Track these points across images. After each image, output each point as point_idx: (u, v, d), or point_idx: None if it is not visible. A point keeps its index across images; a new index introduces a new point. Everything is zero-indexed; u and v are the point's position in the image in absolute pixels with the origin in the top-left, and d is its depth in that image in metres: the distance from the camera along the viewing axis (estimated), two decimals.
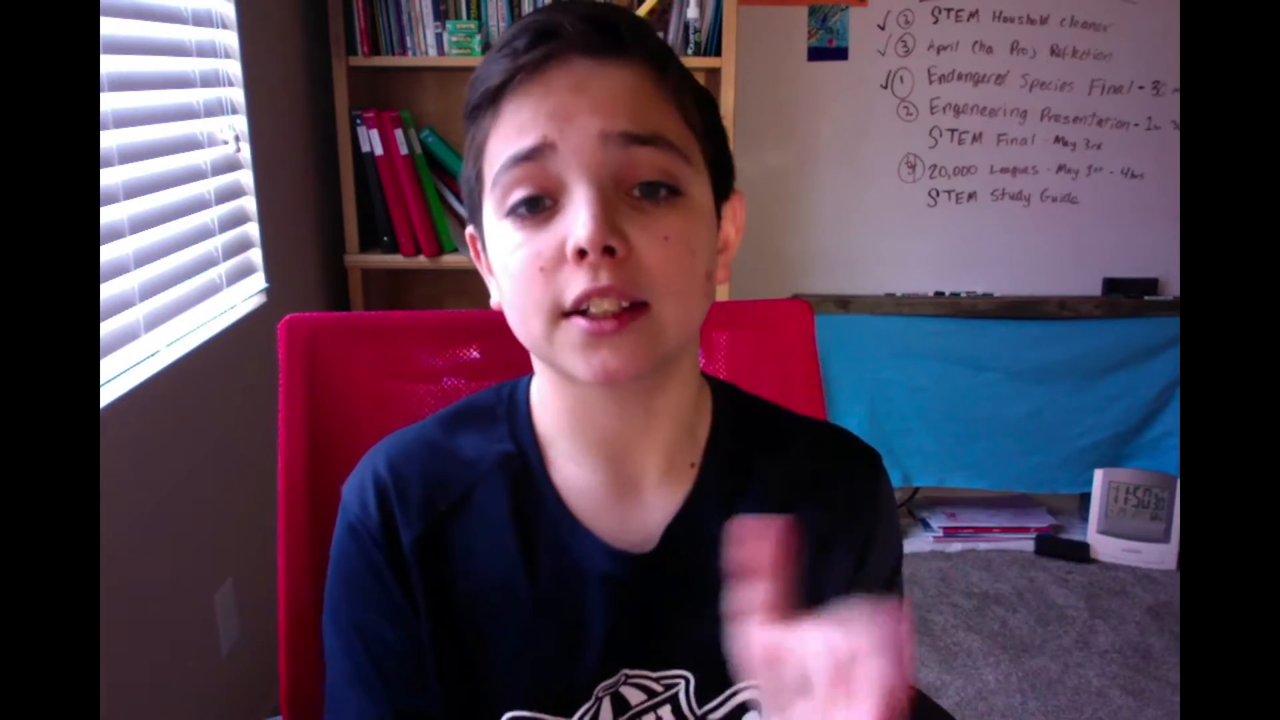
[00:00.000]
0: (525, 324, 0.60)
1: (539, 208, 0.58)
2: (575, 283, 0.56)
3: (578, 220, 0.55)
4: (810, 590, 0.68)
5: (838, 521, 0.70)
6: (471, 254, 0.69)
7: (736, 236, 0.67)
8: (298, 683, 0.85)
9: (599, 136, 0.57)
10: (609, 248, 0.55)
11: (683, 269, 0.59)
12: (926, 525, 2.66)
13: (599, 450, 0.66)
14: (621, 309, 0.57)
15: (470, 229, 0.67)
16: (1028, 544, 2.59)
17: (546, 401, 0.67)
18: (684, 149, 0.60)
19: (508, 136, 0.59)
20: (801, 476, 0.70)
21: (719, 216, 0.65)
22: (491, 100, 0.60)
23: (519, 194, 0.58)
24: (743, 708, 0.67)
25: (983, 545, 2.60)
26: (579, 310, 0.57)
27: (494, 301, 0.66)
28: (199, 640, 1.57)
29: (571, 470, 0.67)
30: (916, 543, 2.61)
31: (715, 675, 0.66)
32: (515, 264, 0.59)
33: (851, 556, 0.71)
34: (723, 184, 0.65)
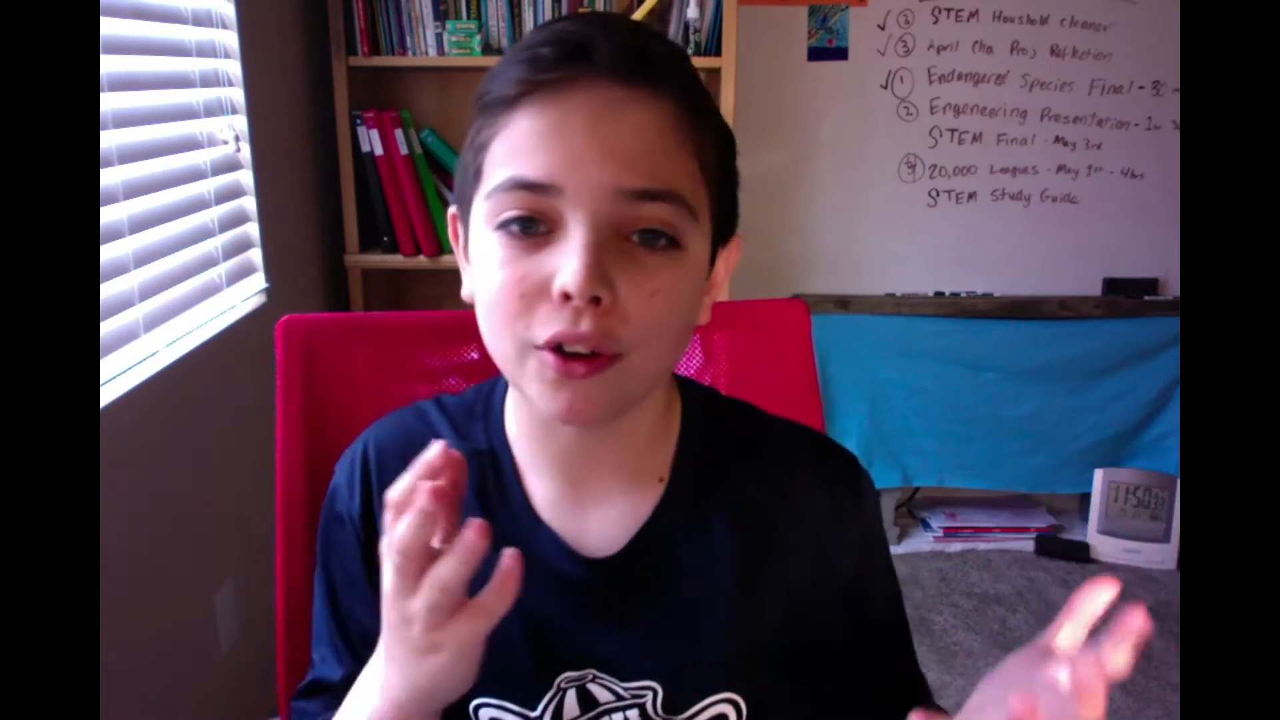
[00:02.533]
0: (494, 342, 0.59)
1: (532, 230, 0.56)
2: (553, 322, 0.55)
3: (569, 265, 0.54)
4: (797, 605, 0.68)
5: (822, 533, 0.69)
6: (450, 233, 0.67)
7: (725, 278, 0.66)
8: (297, 683, 0.85)
9: (609, 189, 0.54)
10: (595, 298, 0.54)
11: (664, 323, 0.57)
12: (926, 525, 2.66)
13: (556, 465, 0.66)
14: (594, 354, 0.56)
15: (453, 208, 0.66)
16: (1028, 544, 2.59)
17: (513, 411, 0.68)
18: (693, 203, 0.57)
19: (515, 150, 0.56)
20: (777, 483, 0.69)
21: (713, 262, 0.63)
22: (505, 104, 0.57)
23: (514, 213, 0.56)
24: None
25: (983, 545, 2.60)
26: (546, 346, 0.56)
27: (465, 293, 0.64)
28: (199, 640, 1.57)
29: (533, 478, 0.67)
30: (916, 543, 2.61)
31: (685, 689, 0.66)
32: (495, 282, 0.57)
33: (840, 569, 0.70)
34: (724, 231, 0.63)
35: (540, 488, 0.67)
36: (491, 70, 0.60)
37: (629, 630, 0.65)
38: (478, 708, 0.66)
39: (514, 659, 0.65)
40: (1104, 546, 2.56)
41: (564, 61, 0.55)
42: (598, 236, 0.54)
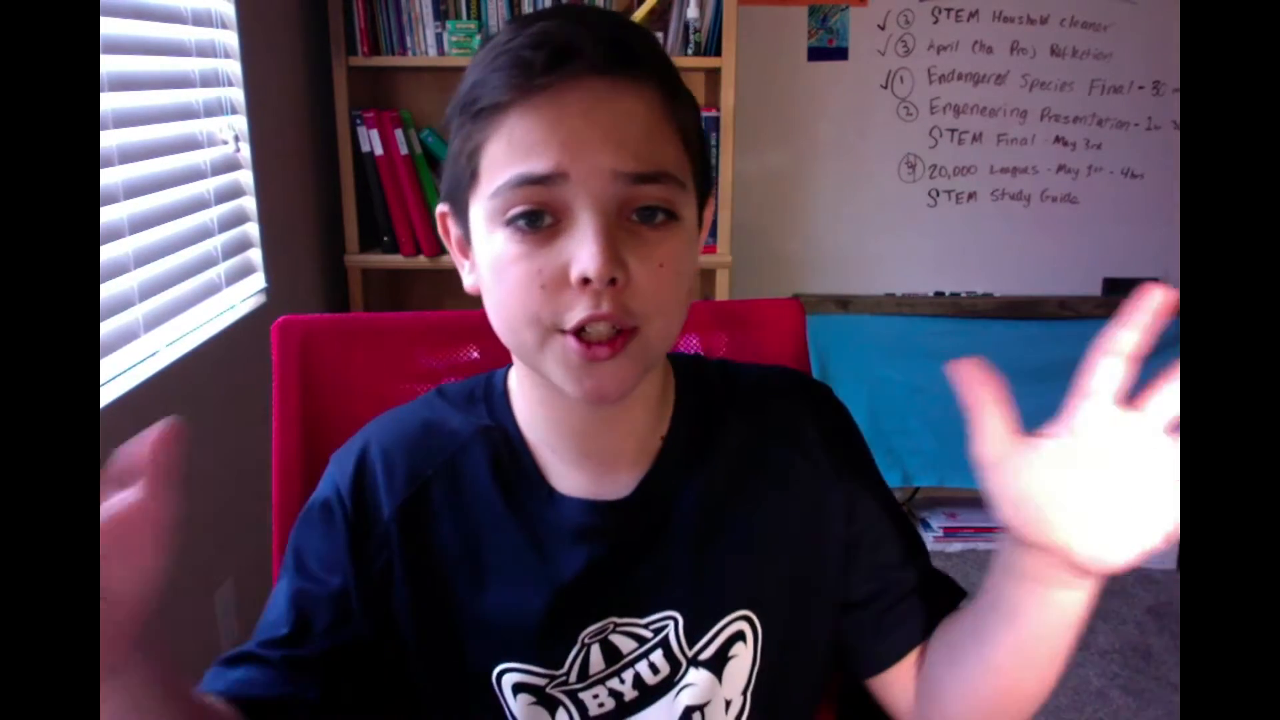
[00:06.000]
0: (514, 333, 0.62)
1: (539, 223, 0.59)
2: (578, 307, 0.58)
3: (585, 250, 0.57)
4: (812, 537, 0.72)
5: (817, 460, 0.73)
6: (440, 230, 0.70)
7: (706, 227, 0.70)
8: None
9: (609, 173, 0.58)
10: (613, 279, 0.57)
11: (672, 292, 0.61)
12: (926, 525, 2.66)
13: (572, 439, 0.69)
14: (615, 333, 0.59)
15: (443, 207, 0.68)
16: None
17: (524, 393, 0.71)
18: (681, 177, 0.61)
19: (515, 152, 0.59)
20: (766, 419, 0.74)
21: (700, 225, 0.68)
22: (498, 109, 0.60)
23: (522, 209, 0.59)
24: (731, 639, 0.70)
25: (983, 545, 2.60)
26: (573, 330, 0.59)
27: (469, 286, 0.67)
28: (199, 640, 1.57)
29: (545, 451, 0.70)
30: None
31: (702, 612, 0.69)
32: (514, 275, 0.60)
33: (844, 490, 0.74)
34: (704, 191, 0.68)
35: (554, 460, 0.70)
36: (473, 74, 0.62)
37: (646, 565, 0.69)
38: (501, 674, 0.68)
39: (536, 622, 0.67)
40: None
41: (554, 66, 0.58)
42: (605, 220, 0.58)
